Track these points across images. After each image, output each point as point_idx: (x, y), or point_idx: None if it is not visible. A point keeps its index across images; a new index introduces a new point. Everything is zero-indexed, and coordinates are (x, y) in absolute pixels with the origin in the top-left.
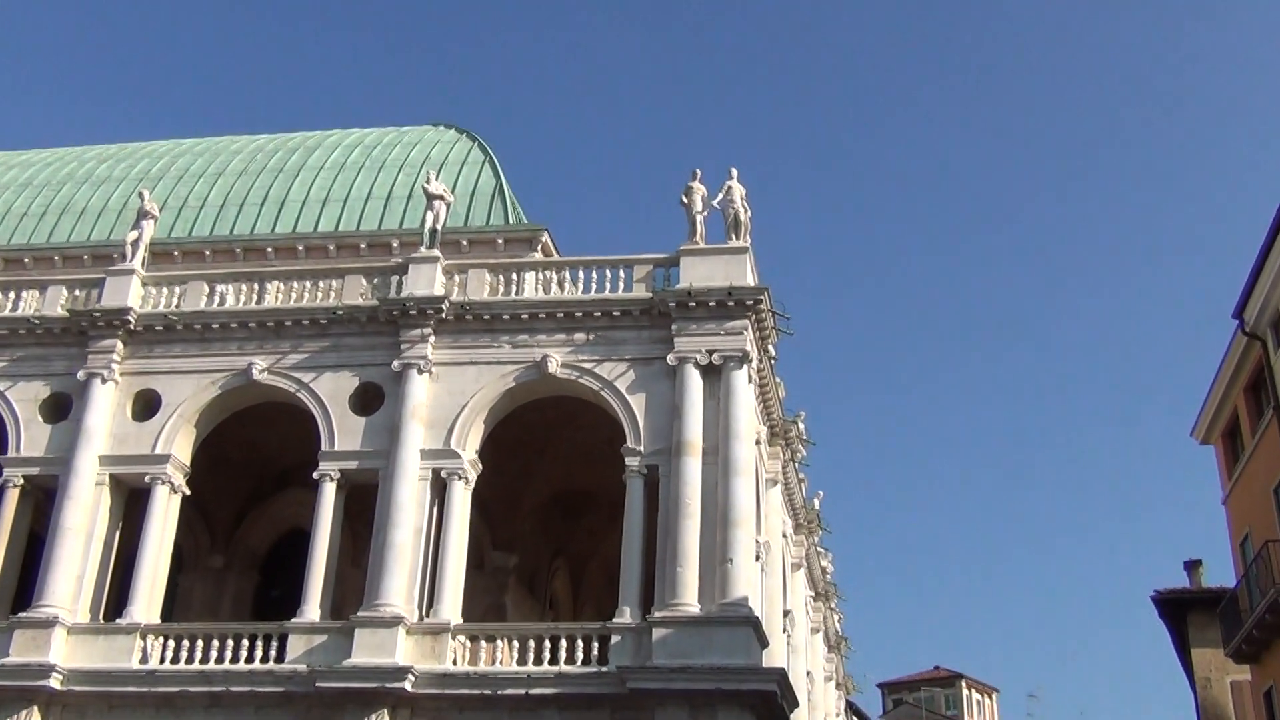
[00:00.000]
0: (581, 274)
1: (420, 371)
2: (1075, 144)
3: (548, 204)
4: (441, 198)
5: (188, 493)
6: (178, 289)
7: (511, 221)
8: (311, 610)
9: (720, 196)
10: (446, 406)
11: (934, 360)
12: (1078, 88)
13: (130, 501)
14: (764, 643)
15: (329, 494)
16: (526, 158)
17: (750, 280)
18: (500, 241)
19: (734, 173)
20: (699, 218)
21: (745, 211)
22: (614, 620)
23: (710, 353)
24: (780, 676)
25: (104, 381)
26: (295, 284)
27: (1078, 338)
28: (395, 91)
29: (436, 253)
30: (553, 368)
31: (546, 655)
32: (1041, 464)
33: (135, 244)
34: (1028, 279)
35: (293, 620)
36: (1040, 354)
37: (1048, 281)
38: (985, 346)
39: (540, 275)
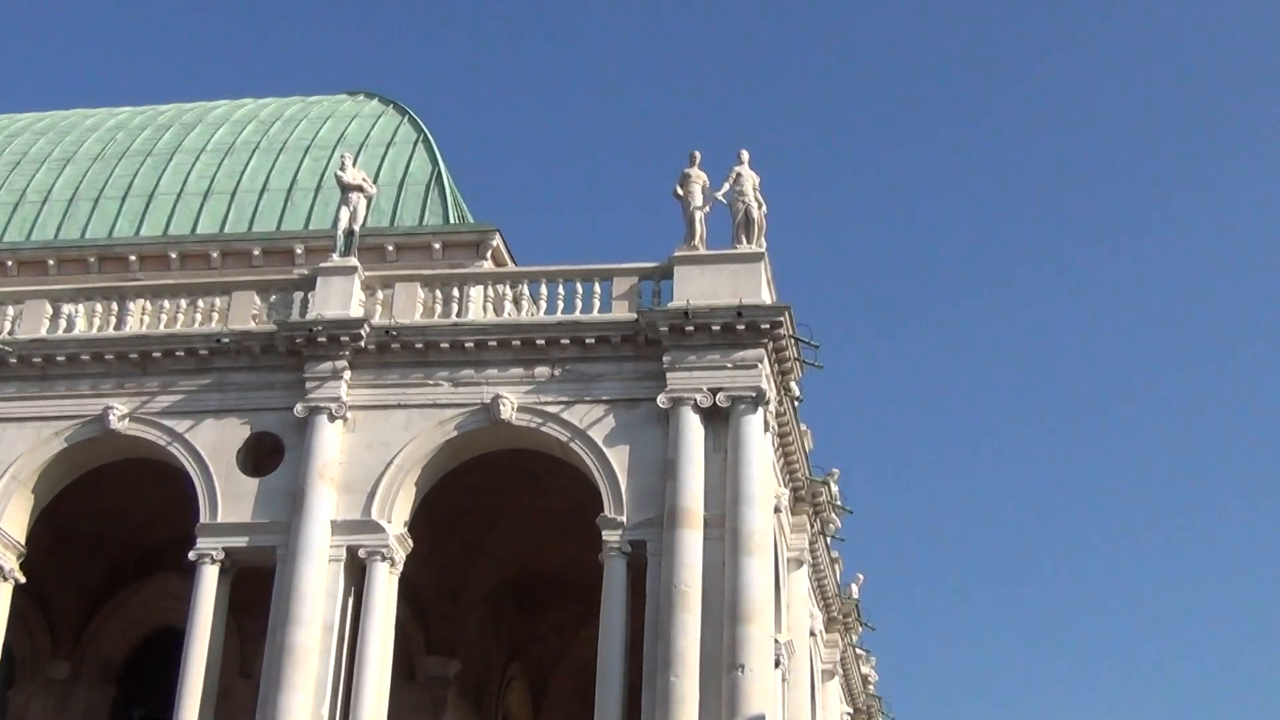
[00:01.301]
0: (545, 289)
1: (332, 418)
2: (1177, 147)
3: (500, 197)
4: (360, 189)
5: (22, 580)
6: (10, 310)
7: (453, 220)
8: None
9: (726, 187)
10: (366, 464)
11: (1006, 405)
12: (1168, 80)
13: None
14: None
15: (209, 580)
16: (472, 138)
17: (766, 297)
18: (438, 247)
19: (744, 156)
20: (698, 215)
21: (759, 207)
22: None
23: (714, 392)
24: None
25: None
26: (167, 303)
27: (1198, 380)
28: (301, 49)
29: (354, 261)
30: (506, 412)
31: None
32: (1150, 538)
33: None
34: (1132, 308)
35: None
36: (1147, 397)
37: (1160, 312)
38: (1073, 391)
39: (490, 291)
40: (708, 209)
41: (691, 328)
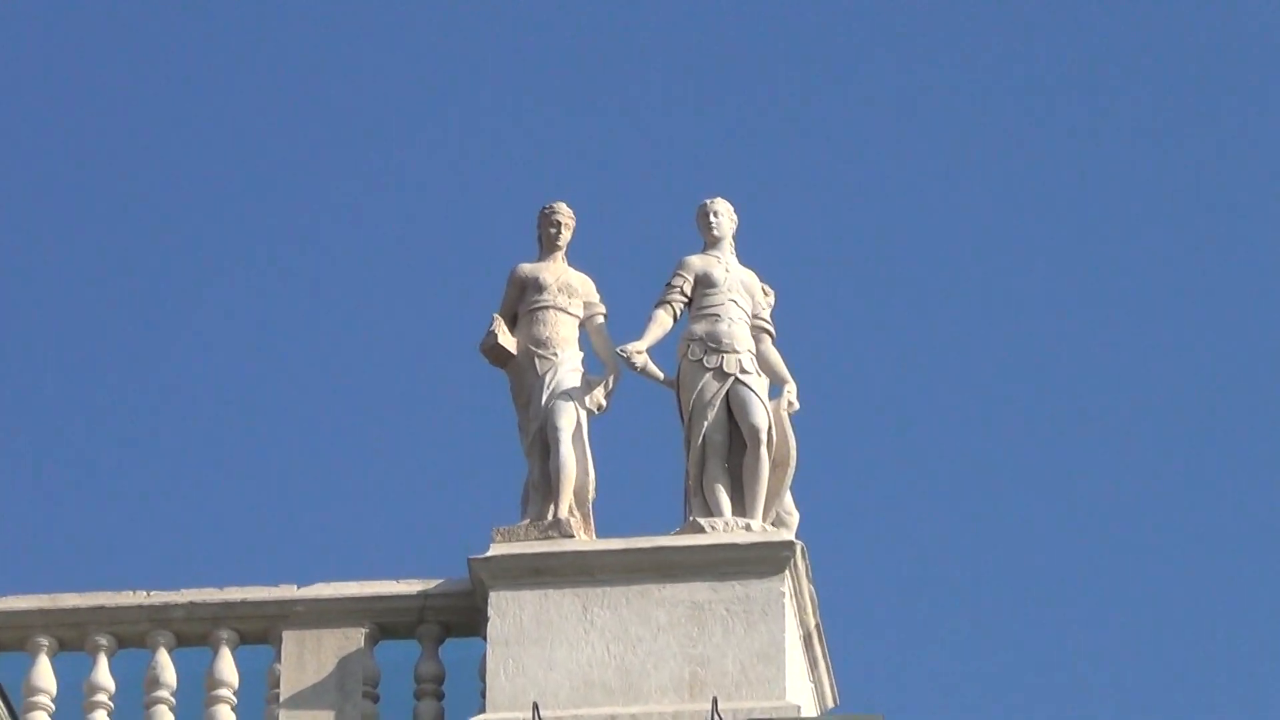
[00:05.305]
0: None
1: None
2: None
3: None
4: None
5: None
6: None
7: None
8: None
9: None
10: None
11: None
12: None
13: None
14: None
15: None
16: None
17: (805, 707)
18: None
19: (722, 213)
20: (556, 415)
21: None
22: None
23: None
24: None
25: None
26: None
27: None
28: None
29: None
30: None
31: None
32: None
33: None
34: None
35: None
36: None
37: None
38: None
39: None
40: (603, 399)
41: None
